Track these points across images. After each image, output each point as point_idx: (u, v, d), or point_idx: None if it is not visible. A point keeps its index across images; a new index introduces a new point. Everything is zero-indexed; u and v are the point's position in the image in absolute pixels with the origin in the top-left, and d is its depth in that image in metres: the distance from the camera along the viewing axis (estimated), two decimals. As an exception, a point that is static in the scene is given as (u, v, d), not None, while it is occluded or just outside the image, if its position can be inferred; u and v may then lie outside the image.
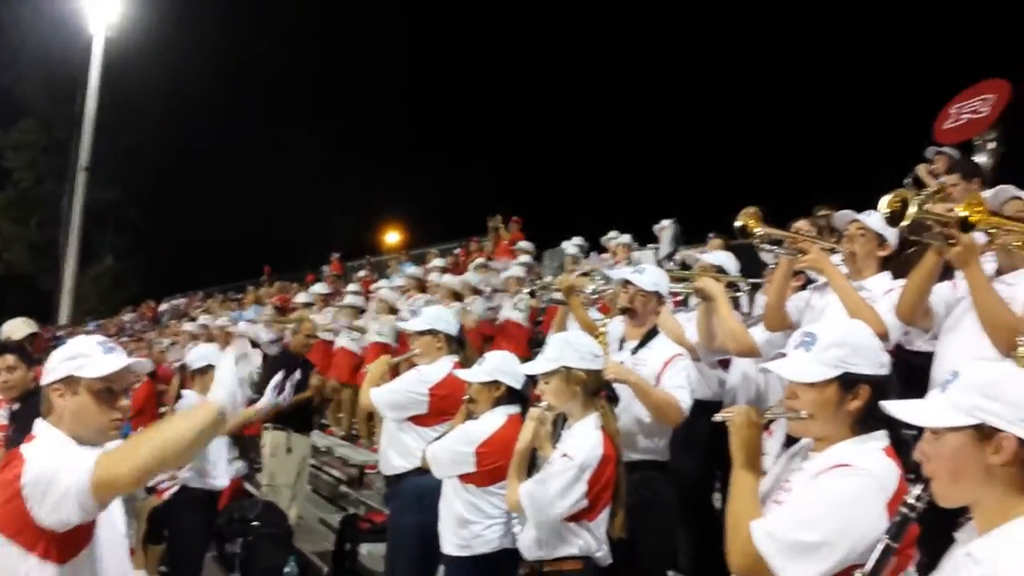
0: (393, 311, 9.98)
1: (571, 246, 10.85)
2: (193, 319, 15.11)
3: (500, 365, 4.06)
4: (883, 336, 3.77)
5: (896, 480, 2.23)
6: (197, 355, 5.97)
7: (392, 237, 27.92)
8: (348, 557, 6.55)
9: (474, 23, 29.19)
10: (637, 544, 3.70)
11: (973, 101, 6.99)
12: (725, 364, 4.97)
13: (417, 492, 4.54)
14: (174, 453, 2.33)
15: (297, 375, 7.18)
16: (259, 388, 8.18)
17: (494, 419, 4.00)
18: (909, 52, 18.40)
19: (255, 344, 9.61)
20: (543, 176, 25.91)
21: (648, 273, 4.37)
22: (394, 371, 5.23)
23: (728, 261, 5.23)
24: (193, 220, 33.69)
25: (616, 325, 4.46)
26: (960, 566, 1.82)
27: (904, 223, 3.18)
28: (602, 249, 10.40)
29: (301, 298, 12.45)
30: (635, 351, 4.25)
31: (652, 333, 4.30)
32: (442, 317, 4.92)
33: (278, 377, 6.12)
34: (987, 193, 3.82)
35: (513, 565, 3.70)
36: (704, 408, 4.06)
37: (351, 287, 12.70)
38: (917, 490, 1.92)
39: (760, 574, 2.27)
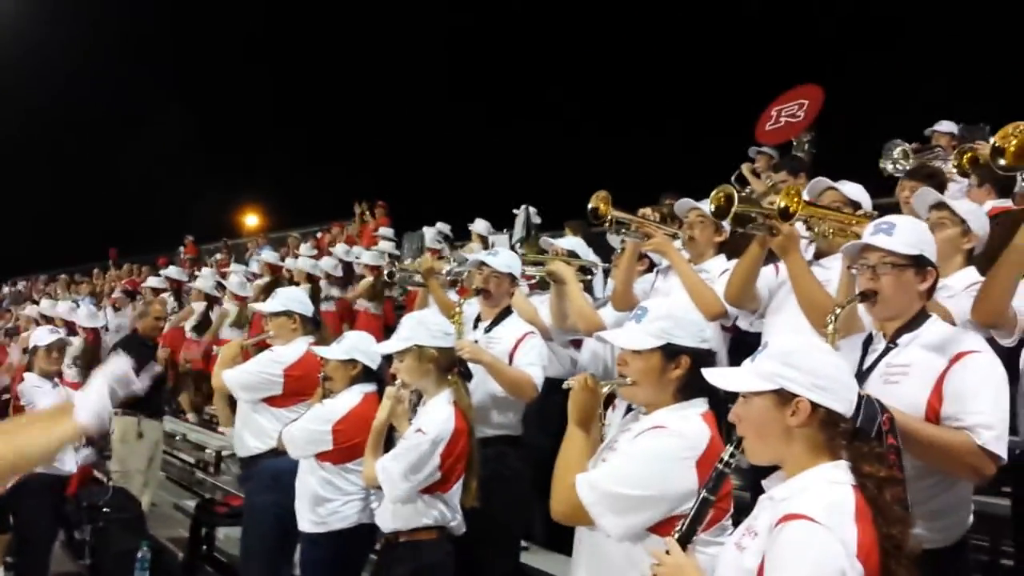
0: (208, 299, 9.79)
1: (432, 231, 10.93)
2: (36, 303, 14.31)
3: (357, 344, 4.13)
4: (722, 314, 4.08)
5: (706, 441, 2.47)
6: (37, 337, 5.79)
7: (251, 220, 27.15)
8: (205, 541, 6.44)
9: (335, 3, 28.62)
10: (492, 515, 3.86)
11: (790, 105, 7.65)
12: (578, 344, 5.20)
13: (273, 473, 4.56)
14: (29, 462, 2.35)
15: (157, 368, 7.02)
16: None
17: (350, 397, 4.07)
18: (738, 59, 19.50)
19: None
20: (407, 160, 25.73)
21: (502, 256, 4.52)
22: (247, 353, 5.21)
23: (580, 246, 5.45)
24: (34, 198, 31.64)
25: (472, 306, 4.58)
26: (763, 508, 2.06)
27: (728, 219, 3.46)
28: (466, 235, 10.56)
29: (151, 282, 11.98)
30: (488, 329, 4.41)
31: (505, 312, 4.46)
32: (296, 298, 4.94)
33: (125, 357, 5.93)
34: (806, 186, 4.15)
35: (370, 539, 3.79)
36: (556, 385, 4.21)
37: (204, 271, 12.32)
38: (731, 448, 2.13)
39: (580, 521, 2.54)
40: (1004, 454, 2.58)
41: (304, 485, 4.12)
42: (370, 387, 4.12)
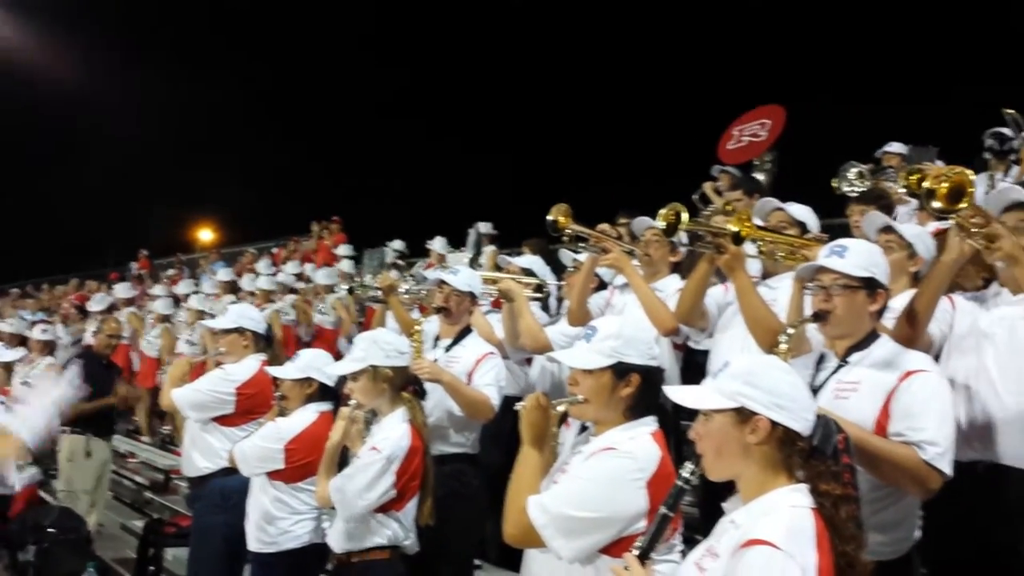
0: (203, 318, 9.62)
1: (392, 249, 10.90)
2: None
3: (312, 362, 4.09)
4: (674, 331, 4.15)
5: (656, 462, 2.48)
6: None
7: (205, 235, 26.85)
8: (152, 562, 6.31)
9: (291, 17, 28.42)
10: (447, 533, 3.86)
11: (752, 124, 7.78)
12: (531, 362, 5.20)
13: (222, 492, 4.51)
14: None
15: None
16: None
17: (305, 416, 4.04)
18: (695, 77, 19.86)
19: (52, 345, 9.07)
20: (366, 174, 25.62)
21: (462, 274, 4.52)
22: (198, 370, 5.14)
23: (537, 264, 5.49)
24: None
25: (432, 324, 4.58)
26: (725, 531, 2.07)
27: (675, 235, 3.53)
28: (426, 251, 10.55)
29: (97, 302, 11.69)
30: (448, 349, 4.40)
31: (465, 332, 4.46)
32: (248, 315, 4.89)
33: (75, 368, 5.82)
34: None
35: (321, 559, 3.74)
36: (512, 403, 4.23)
37: (157, 288, 12.10)
38: (691, 465, 2.14)
39: (532, 543, 2.53)
40: (948, 470, 2.66)
41: (255, 504, 4.06)
42: (326, 406, 4.07)
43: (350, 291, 6.34)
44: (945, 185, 2.83)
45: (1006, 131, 6.54)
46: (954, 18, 16.60)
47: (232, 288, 10.63)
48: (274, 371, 4.16)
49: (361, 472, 3.45)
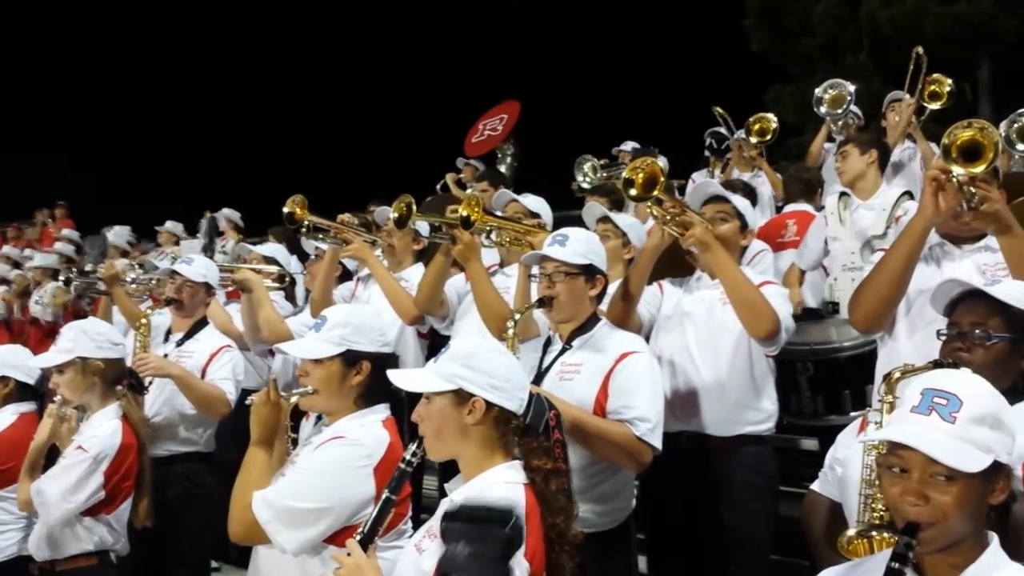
0: None
1: (116, 234, 10.06)
2: None
3: (6, 359, 3.77)
4: (419, 319, 4.20)
5: (384, 448, 2.47)
6: None
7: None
8: None
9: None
10: (180, 536, 3.73)
11: (493, 119, 8.14)
12: (274, 354, 5.04)
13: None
14: None
15: None
16: None
17: (2, 418, 3.69)
18: (445, 72, 20.26)
19: None
20: (90, 158, 23.63)
21: (196, 264, 4.30)
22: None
23: (280, 253, 5.34)
24: None
25: (164, 316, 4.34)
26: (445, 509, 2.08)
27: (406, 227, 3.72)
28: (154, 238, 9.93)
29: None
30: (180, 343, 4.18)
31: (200, 324, 4.25)
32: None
33: None
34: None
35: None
36: (252, 396, 4.10)
37: None
38: (413, 447, 2.15)
39: (257, 539, 2.45)
40: (659, 444, 2.87)
41: (-48, 519, 3.66)
42: (27, 406, 3.75)
43: (67, 282, 5.82)
44: (641, 175, 3.08)
45: (723, 131, 7.26)
46: (691, 31, 18.02)
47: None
48: None
49: (65, 473, 3.20)
